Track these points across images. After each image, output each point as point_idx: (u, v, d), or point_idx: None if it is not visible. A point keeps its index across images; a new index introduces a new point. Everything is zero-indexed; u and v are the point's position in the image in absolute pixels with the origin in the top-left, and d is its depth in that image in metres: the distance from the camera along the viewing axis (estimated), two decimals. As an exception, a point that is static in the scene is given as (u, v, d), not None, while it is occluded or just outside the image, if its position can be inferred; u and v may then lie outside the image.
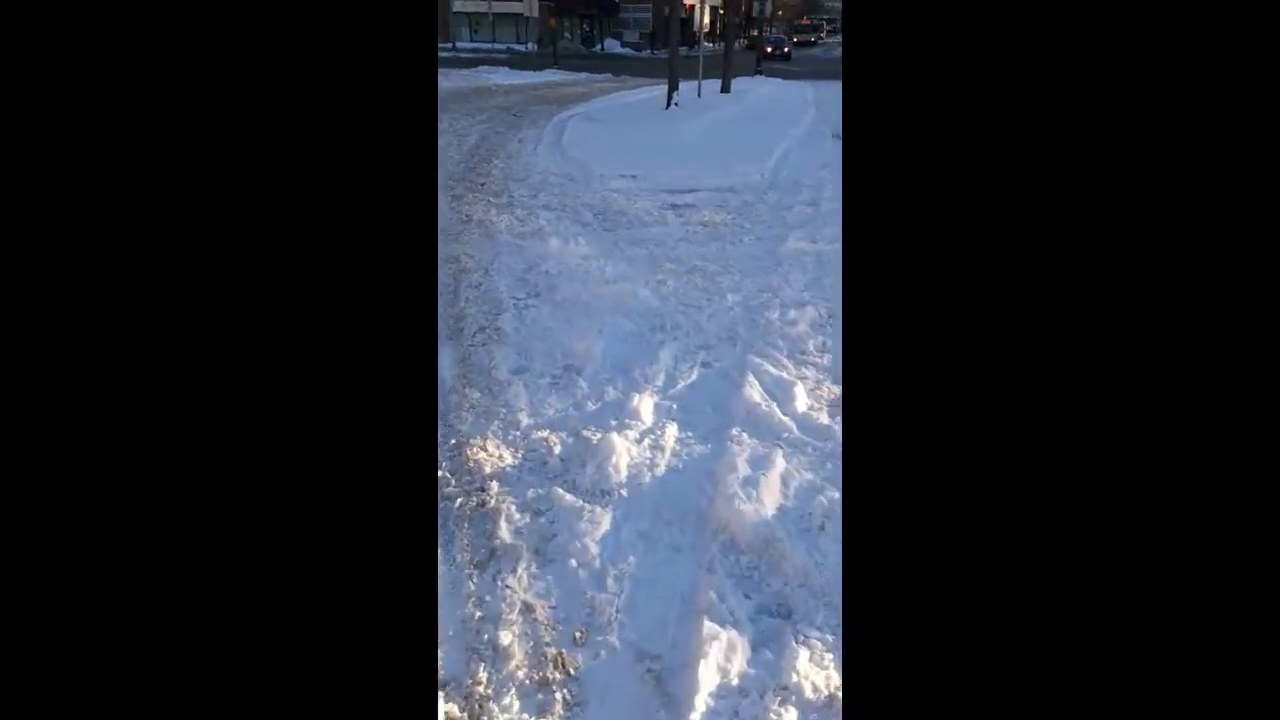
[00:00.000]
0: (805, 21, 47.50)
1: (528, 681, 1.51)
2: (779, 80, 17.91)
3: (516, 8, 30.65)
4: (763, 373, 2.77)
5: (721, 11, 12.20)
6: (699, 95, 11.71)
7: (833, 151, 7.55)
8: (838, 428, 2.36)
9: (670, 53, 10.03)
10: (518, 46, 30.94)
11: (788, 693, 1.48)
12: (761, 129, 8.66)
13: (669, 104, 9.89)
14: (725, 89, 13.55)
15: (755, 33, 48.75)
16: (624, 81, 17.96)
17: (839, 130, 8.97)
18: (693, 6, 42.05)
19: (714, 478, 2.13)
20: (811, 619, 1.66)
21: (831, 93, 15.48)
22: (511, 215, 4.93)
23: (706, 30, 44.47)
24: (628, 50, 35.02)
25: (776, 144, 7.57)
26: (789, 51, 33.88)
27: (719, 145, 7.50)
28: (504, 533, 1.91)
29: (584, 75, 19.50)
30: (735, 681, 1.51)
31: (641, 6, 37.41)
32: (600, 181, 5.92)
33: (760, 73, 19.26)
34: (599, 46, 35.35)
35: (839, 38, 58.15)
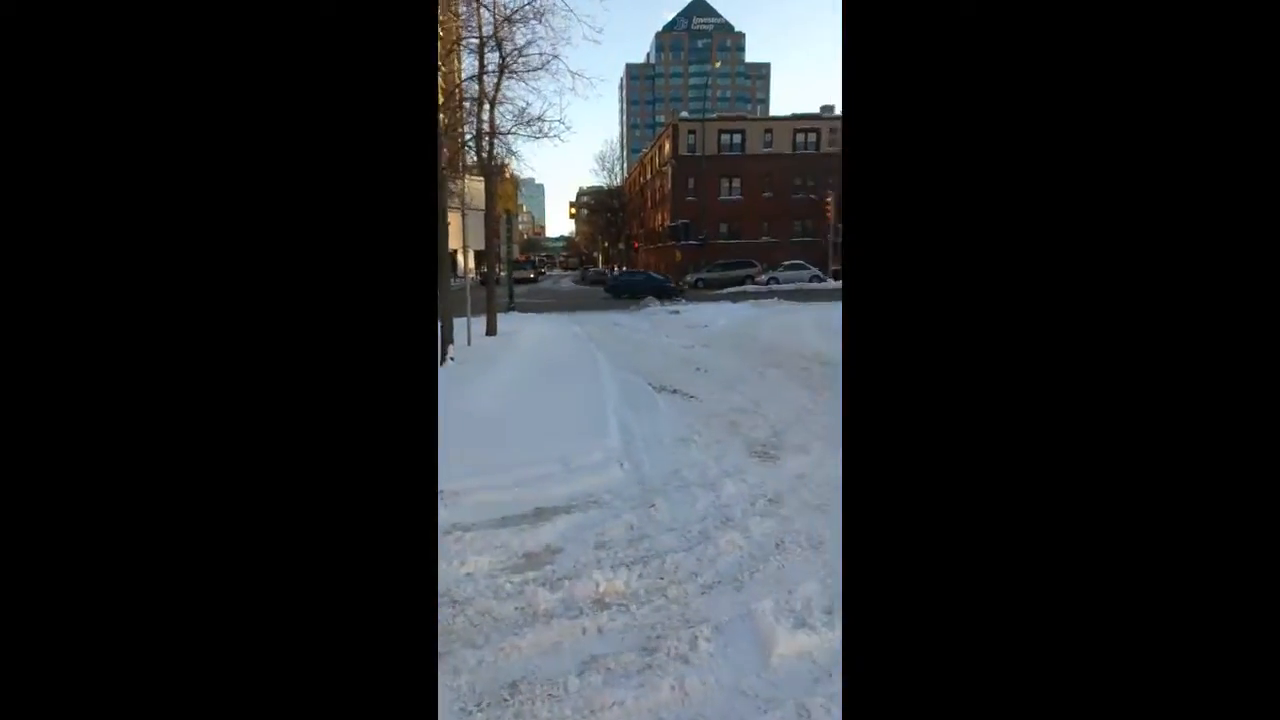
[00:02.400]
0: (524, 258, 51.72)
1: None
2: (534, 315, 17.25)
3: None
4: None
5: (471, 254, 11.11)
6: (469, 343, 10.11)
7: (674, 412, 6.16)
8: None
9: (439, 300, 8.38)
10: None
11: None
12: (566, 387, 7.12)
13: (443, 360, 8.06)
14: (491, 331, 12.23)
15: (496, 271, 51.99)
16: (367, 327, 15.92)
17: (653, 378, 7.77)
18: (455, 251, 42.82)
19: None
20: None
21: (596, 326, 14.98)
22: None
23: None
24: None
25: (600, 409, 6.00)
26: (534, 276, 35.53)
27: (532, 418, 5.73)
28: None
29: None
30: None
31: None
32: (385, 514, 3.71)
33: (514, 309, 18.60)
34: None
35: (555, 272, 64.55)
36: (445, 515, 3.67)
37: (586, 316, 17.98)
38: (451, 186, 9.75)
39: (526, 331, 12.84)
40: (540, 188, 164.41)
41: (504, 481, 4.17)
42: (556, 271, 73.10)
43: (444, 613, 2.67)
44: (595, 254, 70.93)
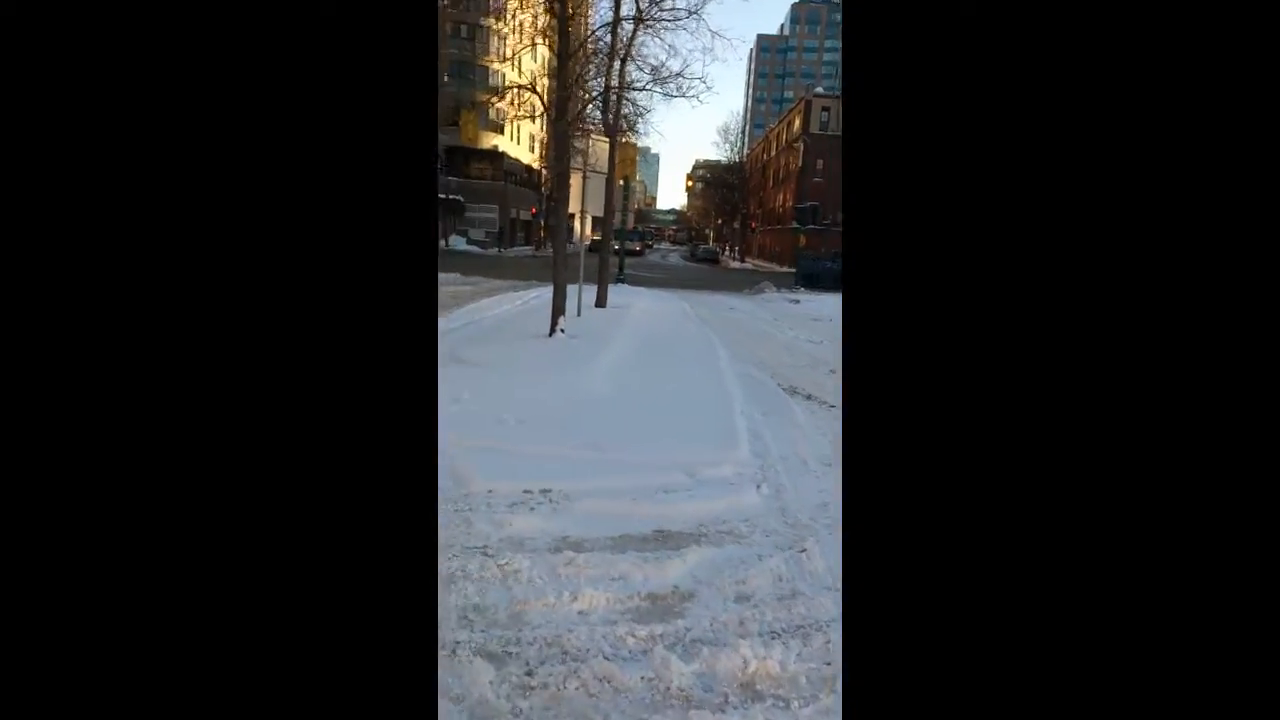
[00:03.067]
0: (632, 228, 49.31)
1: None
2: (644, 290, 16.70)
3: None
4: None
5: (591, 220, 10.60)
6: (579, 313, 9.66)
7: (813, 424, 5.40)
8: None
9: (556, 267, 7.90)
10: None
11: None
12: (684, 376, 6.50)
13: (553, 330, 7.60)
14: (601, 303, 11.76)
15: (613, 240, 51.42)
16: (476, 284, 15.89)
17: (781, 377, 7.01)
18: (536, 210, 42.49)
19: None
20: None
21: (708, 309, 14.26)
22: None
23: (543, 235, 45.32)
24: (473, 247, 34.11)
25: (725, 409, 5.35)
26: (641, 249, 34.90)
27: (648, 409, 5.15)
28: None
29: (431, 275, 17.23)
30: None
31: (487, 207, 37.27)
32: (485, 516, 3.19)
33: (623, 280, 18.13)
34: (444, 242, 34.10)
35: (663, 245, 62.75)
36: (555, 524, 3.13)
37: (698, 297, 17.28)
38: (576, 145, 9.21)
39: (637, 307, 12.30)
40: (655, 157, 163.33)
41: (619, 485, 3.60)
42: (664, 245, 72.53)
43: (555, 669, 2.12)
44: (706, 230, 69.73)
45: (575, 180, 9.54)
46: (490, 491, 3.44)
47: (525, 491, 3.47)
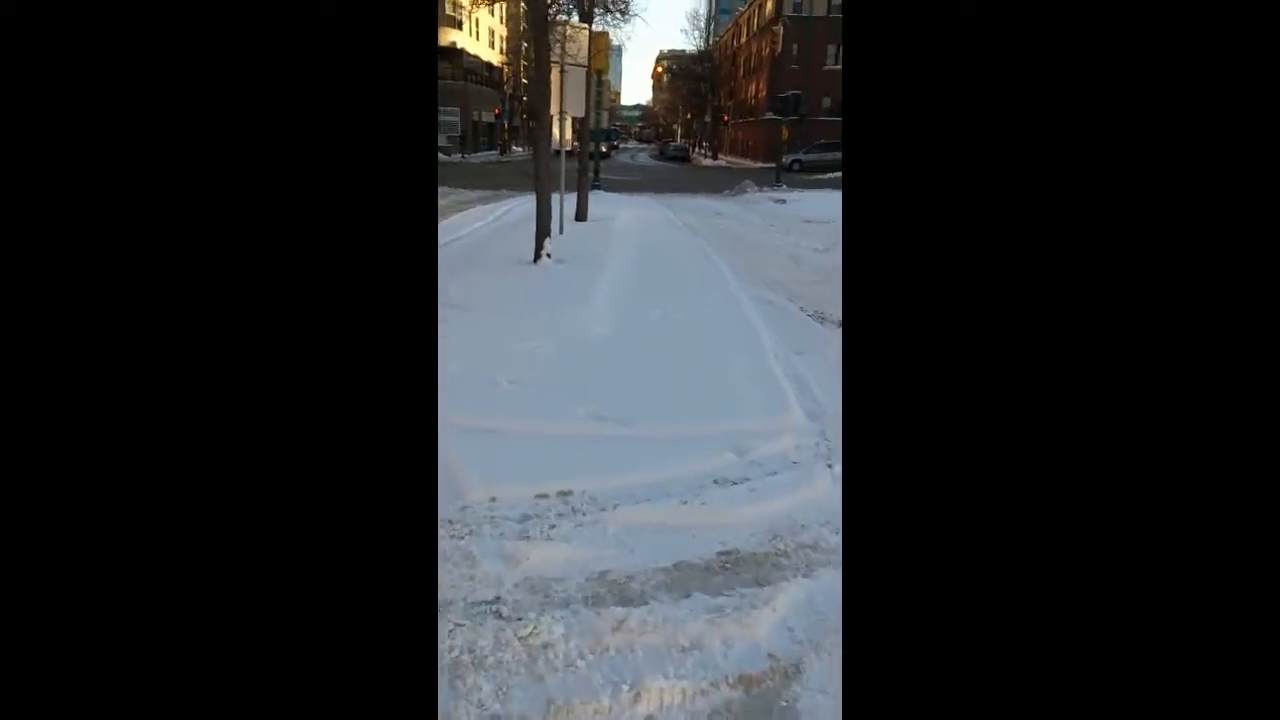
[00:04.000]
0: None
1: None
2: (621, 197, 15.49)
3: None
4: None
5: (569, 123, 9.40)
6: (560, 230, 8.61)
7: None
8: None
9: (539, 180, 6.78)
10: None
11: None
12: (695, 306, 5.62)
13: (538, 255, 6.61)
14: (581, 215, 10.67)
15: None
16: (444, 196, 14.52)
17: (803, 300, 6.16)
18: (500, 111, 39.93)
19: None
20: None
21: (694, 215, 13.18)
22: None
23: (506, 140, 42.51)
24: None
25: (755, 349, 4.52)
26: (608, 150, 33.13)
27: (662, 350, 4.31)
28: None
29: (389, 188, 15.75)
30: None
31: (448, 110, 34.77)
32: (492, 544, 2.36)
33: (598, 186, 16.83)
34: (401, 149, 31.90)
35: (630, 145, 59.34)
36: (586, 550, 2.34)
37: (679, 201, 16.10)
38: (551, 37, 7.88)
39: (621, 218, 11.24)
40: (618, 49, 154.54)
41: (656, 478, 2.80)
42: (632, 144, 69.39)
43: None
44: (675, 126, 66.65)
45: (554, 76, 8.26)
46: (494, 500, 2.62)
47: (539, 497, 2.65)
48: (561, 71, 8.24)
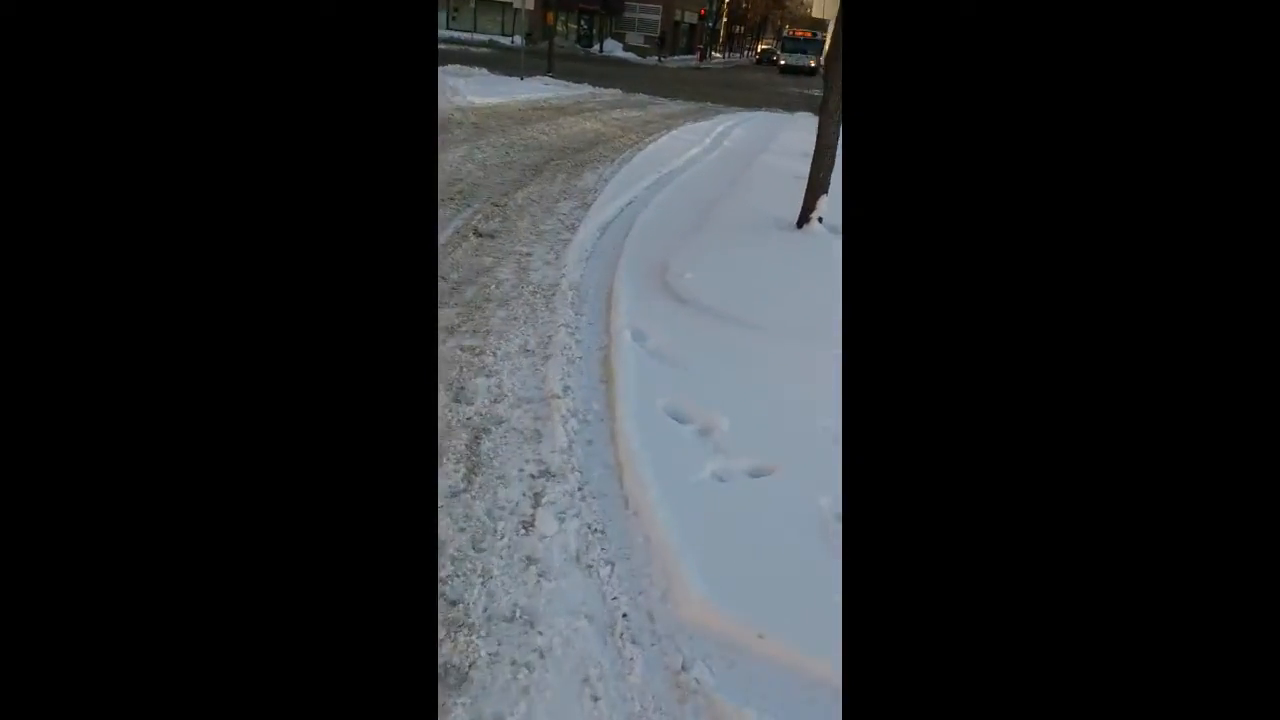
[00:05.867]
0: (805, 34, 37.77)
1: None
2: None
3: (504, -8, 25.14)
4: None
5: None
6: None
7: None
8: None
9: (824, 108, 4.92)
10: (502, 39, 25.24)
11: None
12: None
13: (805, 218, 4.87)
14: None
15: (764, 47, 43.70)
16: (644, 108, 12.87)
17: None
18: (706, 10, 36.98)
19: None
20: None
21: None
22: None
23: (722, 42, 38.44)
24: (630, 55, 30.10)
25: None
26: (815, 66, 29.21)
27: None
28: None
29: (586, 89, 14.31)
30: None
31: (650, 7, 32.54)
32: None
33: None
34: (597, 47, 30.30)
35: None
36: None
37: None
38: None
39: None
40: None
41: None
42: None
43: None
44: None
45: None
46: None
47: None
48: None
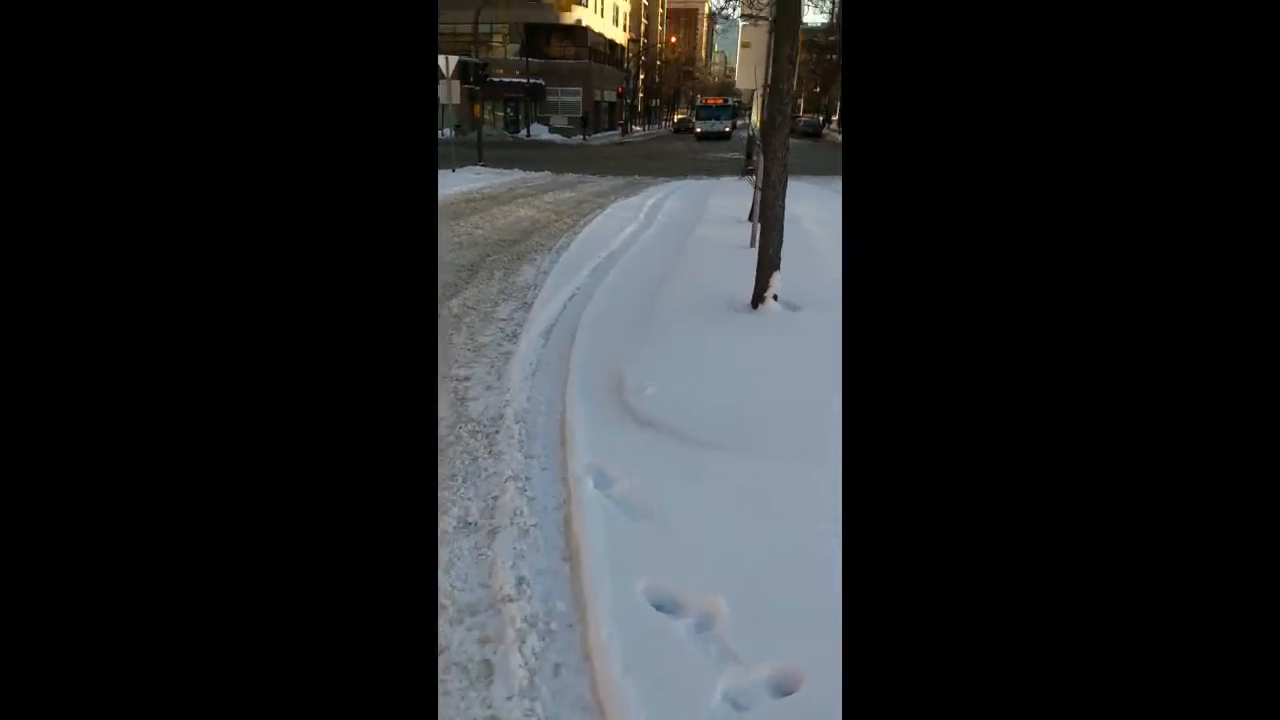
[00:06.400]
0: (717, 101, 37.88)
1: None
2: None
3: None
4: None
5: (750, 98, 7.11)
6: (752, 242, 6.44)
7: None
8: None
9: (765, 183, 4.62)
10: (427, 133, 25.28)
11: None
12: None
13: (759, 297, 4.49)
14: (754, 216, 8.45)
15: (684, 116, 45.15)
16: (576, 187, 12.69)
17: None
18: (623, 90, 37.86)
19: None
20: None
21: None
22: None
23: (625, 119, 39.95)
24: (556, 136, 30.57)
25: None
26: (729, 130, 30.21)
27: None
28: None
29: (518, 174, 14.24)
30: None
31: (570, 90, 33.24)
32: None
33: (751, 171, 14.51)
34: (525, 132, 30.64)
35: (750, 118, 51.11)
36: None
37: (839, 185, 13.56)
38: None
39: (805, 217, 8.93)
40: (733, 24, 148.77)
41: None
42: (752, 121, 65.80)
43: None
44: (799, 101, 62.63)
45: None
46: None
47: None
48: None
